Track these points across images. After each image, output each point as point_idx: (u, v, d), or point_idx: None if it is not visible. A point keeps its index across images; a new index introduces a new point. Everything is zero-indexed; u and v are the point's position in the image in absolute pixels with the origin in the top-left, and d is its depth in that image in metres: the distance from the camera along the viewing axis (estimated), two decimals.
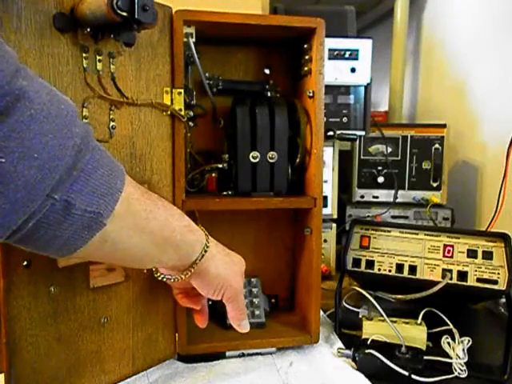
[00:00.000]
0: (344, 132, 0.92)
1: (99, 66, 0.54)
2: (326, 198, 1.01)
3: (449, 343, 0.68)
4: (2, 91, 0.31)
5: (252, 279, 0.76)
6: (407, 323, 0.71)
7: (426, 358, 0.65)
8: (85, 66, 0.52)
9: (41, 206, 0.34)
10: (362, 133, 1.00)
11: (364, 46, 0.98)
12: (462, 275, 0.69)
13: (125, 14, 0.45)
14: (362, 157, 1.13)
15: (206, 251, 0.50)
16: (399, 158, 1.12)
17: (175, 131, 0.62)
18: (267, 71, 0.77)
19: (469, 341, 0.69)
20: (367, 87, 0.99)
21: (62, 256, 0.40)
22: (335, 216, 1.03)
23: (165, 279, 0.53)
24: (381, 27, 1.75)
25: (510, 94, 1.08)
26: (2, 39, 0.33)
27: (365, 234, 0.77)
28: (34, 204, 0.34)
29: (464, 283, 0.69)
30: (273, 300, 0.80)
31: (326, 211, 1.01)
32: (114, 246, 0.42)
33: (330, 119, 0.99)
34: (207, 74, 0.72)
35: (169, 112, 0.61)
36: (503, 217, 0.97)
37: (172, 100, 0.61)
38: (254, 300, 0.74)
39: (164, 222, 0.46)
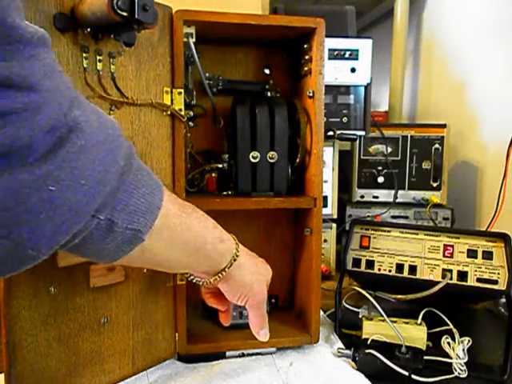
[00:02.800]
0: (344, 132, 0.92)
1: (99, 65, 0.54)
2: (326, 198, 1.01)
3: (449, 343, 0.68)
4: (59, 124, 0.32)
5: None
6: (407, 323, 0.71)
7: (426, 357, 0.65)
8: (85, 65, 0.52)
9: (86, 225, 0.37)
10: (362, 133, 1.00)
11: (364, 46, 0.98)
12: (462, 275, 0.69)
13: (125, 13, 0.45)
14: (362, 157, 1.13)
15: (235, 260, 0.53)
16: (399, 158, 1.12)
17: (175, 131, 0.62)
18: (267, 71, 0.77)
19: (469, 341, 0.69)
20: (367, 87, 0.99)
21: (104, 262, 0.43)
22: (335, 216, 1.03)
23: (194, 281, 0.56)
24: (381, 27, 1.75)
25: (510, 93, 1.08)
26: (60, 68, 0.34)
27: (365, 233, 0.77)
28: (78, 225, 0.36)
29: (464, 283, 0.69)
30: (273, 300, 0.80)
31: (326, 211, 1.01)
32: (151, 256, 0.45)
33: (330, 119, 0.99)
34: (207, 74, 0.72)
35: (169, 112, 0.61)
36: (503, 217, 0.97)
37: (172, 100, 0.61)
38: None
39: (197, 234, 0.48)
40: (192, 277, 0.56)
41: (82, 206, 0.35)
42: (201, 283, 0.55)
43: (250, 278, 0.55)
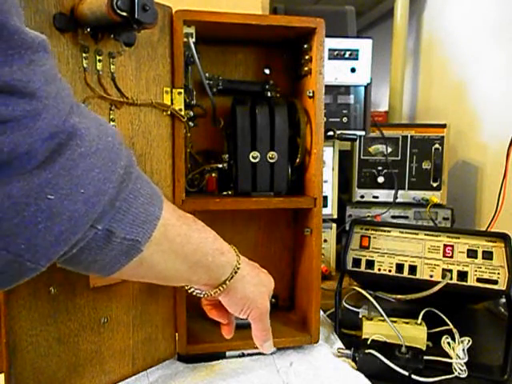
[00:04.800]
0: (344, 132, 0.92)
1: (99, 66, 0.54)
2: (326, 198, 1.01)
3: (449, 343, 0.68)
4: (58, 130, 0.32)
5: None
6: (407, 323, 0.71)
7: (426, 357, 0.65)
8: (85, 65, 0.52)
9: (84, 235, 0.36)
10: (362, 133, 1.00)
11: (364, 46, 0.98)
12: (462, 275, 0.69)
13: (125, 13, 0.45)
14: (362, 157, 1.13)
15: (236, 272, 0.51)
16: (399, 157, 1.12)
17: (175, 131, 0.62)
18: (267, 71, 0.77)
19: (469, 341, 0.69)
20: (367, 87, 0.99)
21: (100, 276, 0.42)
22: (335, 216, 1.03)
23: (194, 293, 0.54)
24: (381, 27, 1.75)
25: (510, 94, 1.08)
26: (60, 74, 0.34)
27: (365, 234, 0.77)
28: (77, 236, 0.35)
29: (464, 283, 0.69)
30: (273, 300, 0.79)
31: (326, 211, 1.01)
32: (149, 267, 0.44)
33: (330, 119, 0.98)
34: (207, 74, 0.72)
35: (169, 112, 0.61)
36: (503, 217, 0.97)
37: (172, 100, 0.61)
38: None
39: (197, 246, 0.47)
40: (192, 289, 0.54)
41: (81, 215, 0.34)
42: (202, 295, 0.54)
43: (252, 290, 0.53)
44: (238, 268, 0.52)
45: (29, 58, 0.30)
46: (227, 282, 0.51)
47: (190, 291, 0.54)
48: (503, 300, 0.83)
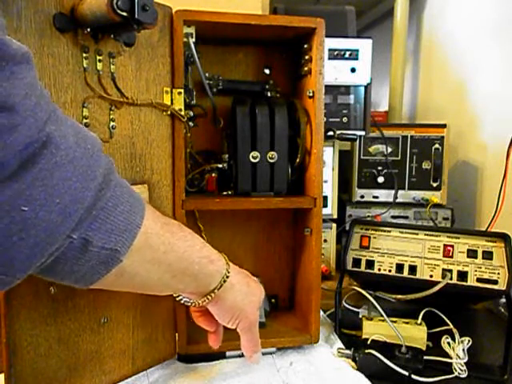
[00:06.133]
0: (344, 132, 0.92)
1: (99, 65, 0.54)
2: (326, 198, 1.01)
3: (449, 343, 0.68)
4: (32, 140, 0.31)
5: None
6: (407, 323, 0.71)
7: (426, 358, 0.65)
8: (85, 65, 0.52)
9: (59, 245, 0.35)
10: (362, 133, 1.00)
11: (364, 46, 0.98)
12: (462, 275, 0.69)
13: (125, 13, 0.45)
14: (362, 157, 1.13)
15: (225, 281, 0.50)
16: (399, 157, 1.12)
17: (175, 131, 0.62)
18: (267, 71, 0.77)
19: (469, 341, 0.69)
20: (367, 87, 0.99)
21: (79, 287, 0.41)
22: (335, 216, 1.03)
23: (182, 301, 0.53)
24: (381, 27, 1.75)
25: (510, 93, 1.08)
26: (39, 84, 0.33)
27: (365, 234, 0.77)
28: (53, 247, 0.34)
29: (464, 283, 0.69)
30: (273, 300, 0.80)
31: (326, 211, 1.01)
32: (131, 277, 0.43)
33: (330, 119, 0.99)
34: (207, 74, 0.72)
35: (169, 112, 0.61)
36: (503, 217, 0.97)
37: (172, 100, 0.61)
38: None
39: (182, 254, 0.46)
40: (180, 297, 0.53)
41: (57, 225, 0.33)
42: (190, 304, 0.53)
43: (241, 299, 0.52)
44: (228, 277, 0.51)
45: (10, 70, 0.30)
46: (215, 290, 0.50)
47: (177, 299, 0.54)
48: (503, 300, 0.83)
